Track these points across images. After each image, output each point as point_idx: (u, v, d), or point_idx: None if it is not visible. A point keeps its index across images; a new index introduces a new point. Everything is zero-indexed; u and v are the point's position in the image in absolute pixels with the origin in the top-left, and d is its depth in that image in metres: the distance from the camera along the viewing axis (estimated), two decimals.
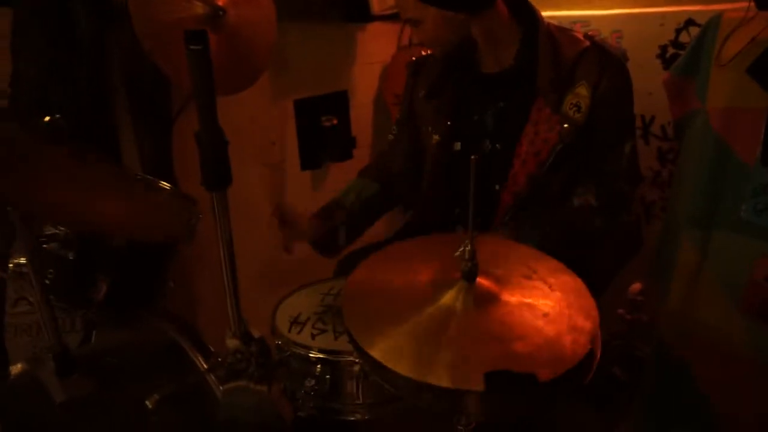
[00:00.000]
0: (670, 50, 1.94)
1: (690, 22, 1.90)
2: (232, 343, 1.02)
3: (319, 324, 1.37)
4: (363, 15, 2.14)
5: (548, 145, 1.38)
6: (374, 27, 2.42)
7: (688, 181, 1.62)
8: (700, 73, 1.61)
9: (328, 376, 1.22)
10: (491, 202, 1.44)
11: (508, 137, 1.44)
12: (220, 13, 1.55)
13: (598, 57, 1.35)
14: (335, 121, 2.34)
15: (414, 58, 1.65)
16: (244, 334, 1.03)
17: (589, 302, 0.81)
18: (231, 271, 1.00)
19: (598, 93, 1.34)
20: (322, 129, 2.33)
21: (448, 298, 0.88)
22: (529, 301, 0.84)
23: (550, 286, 0.87)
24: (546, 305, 0.83)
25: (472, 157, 0.82)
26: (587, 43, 1.37)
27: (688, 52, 1.65)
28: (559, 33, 1.39)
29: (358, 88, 2.45)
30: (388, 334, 0.78)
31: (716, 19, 1.55)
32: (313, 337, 1.32)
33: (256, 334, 1.04)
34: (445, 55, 1.45)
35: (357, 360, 1.15)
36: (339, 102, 2.38)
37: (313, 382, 1.22)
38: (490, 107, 1.48)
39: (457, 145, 1.51)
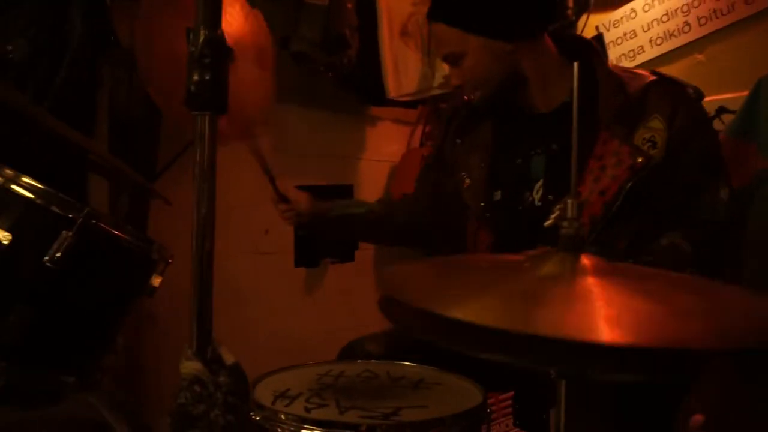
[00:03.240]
0: None
1: (722, 110, 1.84)
2: (189, 367, 0.63)
3: (315, 399, 0.96)
4: (378, 98, 2.04)
5: (617, 182, 1.14)
6: (385, 126, 2.35)
7: None
8: (761, 132, 1.48)
9: None
10: None
11: (565, 184, 1.21)
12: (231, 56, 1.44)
13: (670, 88, 1.19)
14: None
15: (448, 106, 1.50)
16: (210, 357, 0.65)
17: None
18: (201, 254, 0.66)
19: (676, 127, 1.16)
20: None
21: (546, 269, 0.61)
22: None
23: None
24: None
25: None
26: (654, 76, 1.22)
27: (740, 114, 1.55)
28: (620, 69, 1.26)
29: (364, 185, 2.28)
30: (470, 301, 0.57)
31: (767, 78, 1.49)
32: (308, 410, 0.90)
33: (229, 359, 0.66)
34: (489, 94, 1.27)
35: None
36: (344, 195, 2.18)
37: None
38: (539, 151, 1.27)
39: (497, 194, 1.28)
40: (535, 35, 1.21)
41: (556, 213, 0.64)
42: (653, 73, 1.22)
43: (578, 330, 0.50)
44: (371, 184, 2.31)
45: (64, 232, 0.97)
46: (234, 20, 1.57)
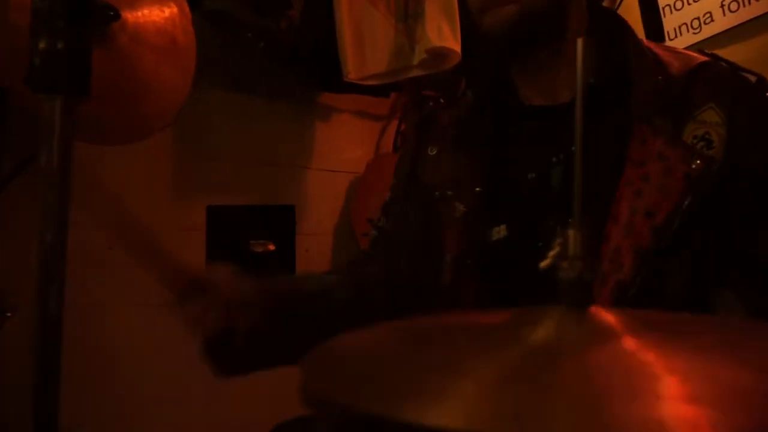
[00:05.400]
0: None
1: None
2: None
3: None
4: (332, 81, 2.07)
5: (669, 198, 1.18)
6: (344, 121, 2.39)
7: None
8: None
9: None
10: None
11: (594, 198, 1.25)
12: (111, 14, 1.46)
13: (728, 74, 1.25)
14: (271, 247, 2.11)
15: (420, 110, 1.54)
16: None
17: None
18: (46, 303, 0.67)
19: (738, 124, 1.21)
20: (249, 258, 2.10)
21: (541, 334, 0.65)
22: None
23: None
24: None
25: None
26: (704, 57, 1.27)
27: None
28: (657, 47, 1.32)
29: (311, 205, 2.31)
30: (446, 397, 0.56)
31: None
32: None
33: None
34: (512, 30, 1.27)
35: None
36: (281, 220, 2.20)
37: None
38: (560, 157, 1.31)
39: (501, 230, 1.30)
40: None
41: (556, 249, 0.67)
42: (704, 53, 1.29)
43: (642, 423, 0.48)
44: (322, 204, 2.33)
45: None
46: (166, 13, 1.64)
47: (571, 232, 0.67)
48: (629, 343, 0.60)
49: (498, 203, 1.30)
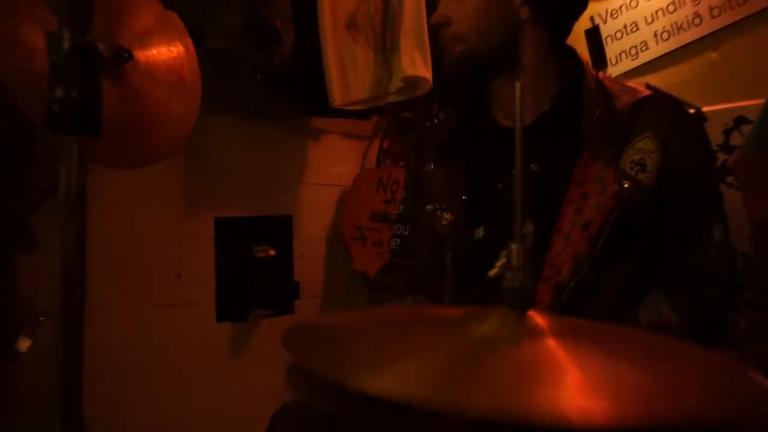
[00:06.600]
0: (720, 157, 1.90)
1: (741, 120, 1.92)
2: None
3: None
4: (321, 107, 2.09)
5: (601, 213, 1.21)
6: (333, 141, 2.42)
7: None
8: None
9: None
10: None
11: (545, 211, 1.29)
12: (125, 55, 1.48)
13: (667, 107, 1.29)
14: (272, 253, 2.12)
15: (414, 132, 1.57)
16: None
17: None
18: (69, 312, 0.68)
19: (671, 152, 1.24)
20: (252, 262, 2.12)
21: (485, 329, 0.67)
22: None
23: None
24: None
25: None
26: (649, 91, 1.31)
27: (759, 125, 1.60)
28: (611, 81, 1.36)
29: (306, 215, 2.33)
30: (391, 370, 0.60)
31: None
32: None
33: None
34: (472, 65, 1.33)
35: None
36: (280, 229, 2.22)
37: None
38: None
39: (480, 231, 1.34)
40: (553, 20, 1.32)
41: (502, 260, 0.69)
42: (649, 87, 1.31)
43: (545, 406, 0.52)
44: (315, 214, 2.37)
45: None
46: (174, 52, 1.66)
47: (513, 246, 0.69)
48: (551, 342, 0.63)
49: (479, 208, 1.34)
